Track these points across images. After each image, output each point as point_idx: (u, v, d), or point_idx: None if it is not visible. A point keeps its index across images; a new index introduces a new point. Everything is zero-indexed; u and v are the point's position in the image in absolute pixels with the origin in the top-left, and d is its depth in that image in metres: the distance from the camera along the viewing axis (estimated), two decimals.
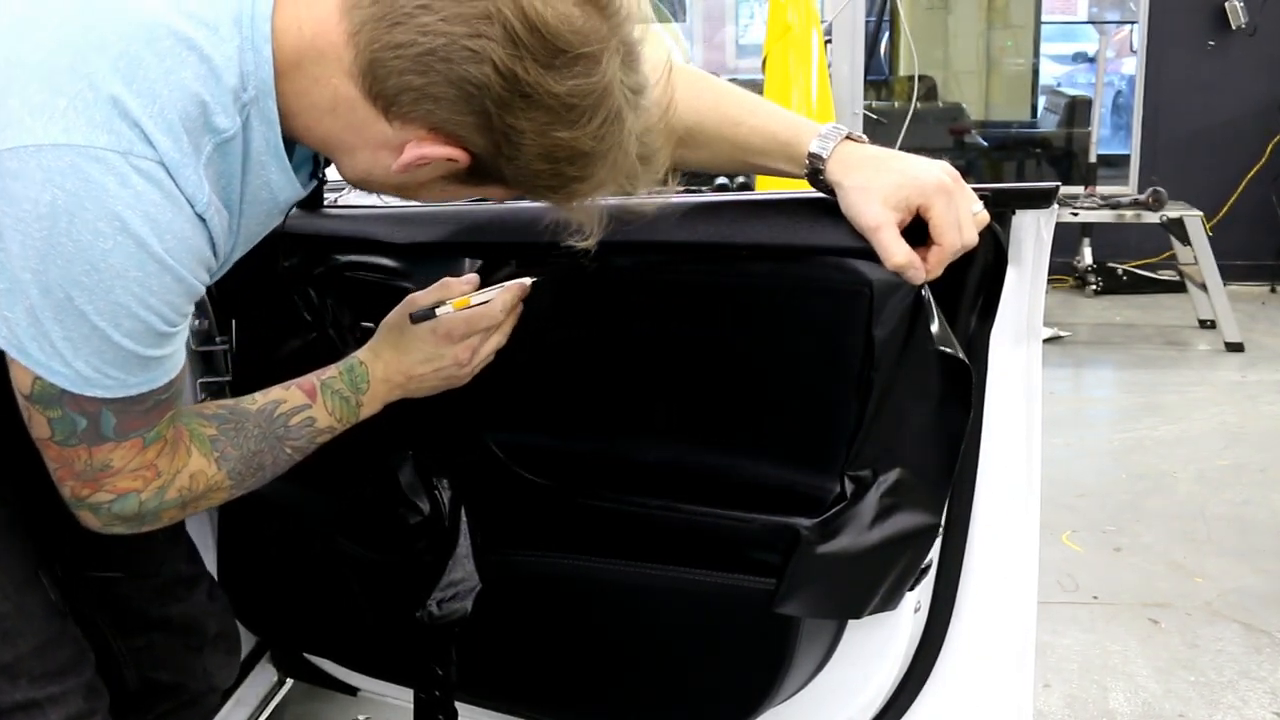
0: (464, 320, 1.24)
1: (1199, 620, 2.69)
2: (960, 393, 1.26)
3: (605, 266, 1.34)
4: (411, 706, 1.63)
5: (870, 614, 1.33)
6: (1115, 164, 6.29)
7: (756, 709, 1.41)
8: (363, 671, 1.81)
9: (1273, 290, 5.96)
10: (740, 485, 1.37)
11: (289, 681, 2.14)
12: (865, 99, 6.06)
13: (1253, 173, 6.00)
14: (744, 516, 1.33)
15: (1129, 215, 5.32)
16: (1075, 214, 5.39)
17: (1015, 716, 1.42)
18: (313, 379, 1.22)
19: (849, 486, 1.27)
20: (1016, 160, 6.74)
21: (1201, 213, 5.17)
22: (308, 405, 1.20)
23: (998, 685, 1.42)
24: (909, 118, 5.61)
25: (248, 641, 1.80)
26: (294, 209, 1.20)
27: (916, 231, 1.19)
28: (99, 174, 0.90)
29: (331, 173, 1.13)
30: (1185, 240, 5.14)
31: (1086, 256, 5.89)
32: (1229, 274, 5.21)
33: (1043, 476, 1.37)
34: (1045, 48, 7.18)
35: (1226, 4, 5.86)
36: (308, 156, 1.10)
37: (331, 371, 1.23)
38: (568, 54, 0.94)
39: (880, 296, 1.22)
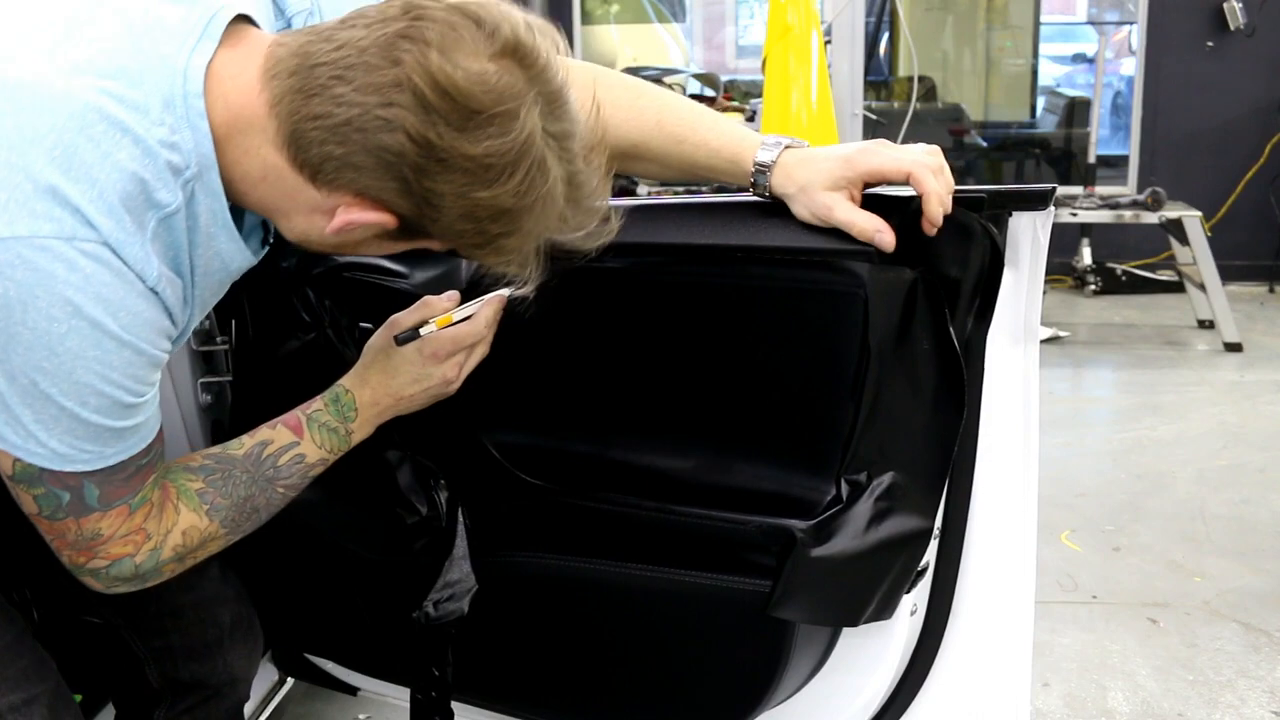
0: (449, 339, 1.24)
1: (1198, 620, 2.69)
2: (953, 395, 1.27)
3: (602, 268, 1.35)
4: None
5: (866, 622, 1.33)
6: (1114, 164, 6.30)
7: (753, 711, 1.41)
8: (362, 671, 1.81)
9: (1271, 290, 5.96)
10: (736, 487, 1.38)
11: (289, 681, 2.14)
12: (865, 99, 6.07)
13: (1251, 173, 6.00)
14: (739, 519, 1.33)
15: (1128, 215, 5.33)
16: (1074, 214, 5.39)
17: (1014, 717, 1.43)
18: (298, 414, 1.22)
19: (844, 489, 1.27)
20: (1016, 161, 6.75)
21: (1200, 213, 5.18)
22: (295, 443, 1.21)
23: (996, 686, 1.43)
24: (908, 118, 5.62)
25: None
26: None
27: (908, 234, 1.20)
28: (46, 262, 0.91)
29: None
30: (1184, 240, 5.14)
31: (1086, 257, 5.90)
32: (1228, 274, 5.22)
33: (1042, 476, 1.38)
34: (1044, 48, 7.19)
35: (1225, 5, 5.86)
36: (259, 222, 1.11)
37: (317, 404, 1.23)
38: (481, 114, 0.94)
39: (875, 299, 1.23)
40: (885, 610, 1.33)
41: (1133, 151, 6.16)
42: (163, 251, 0.98)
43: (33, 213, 0.91)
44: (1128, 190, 5.92)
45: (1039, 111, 6.93)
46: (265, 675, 1.98)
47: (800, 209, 1.24)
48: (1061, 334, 5.22)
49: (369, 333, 1.31)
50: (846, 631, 1.41)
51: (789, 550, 1.27)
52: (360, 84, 0.93)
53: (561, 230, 1.05)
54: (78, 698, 1.66)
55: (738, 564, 1.34)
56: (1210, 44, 6.00)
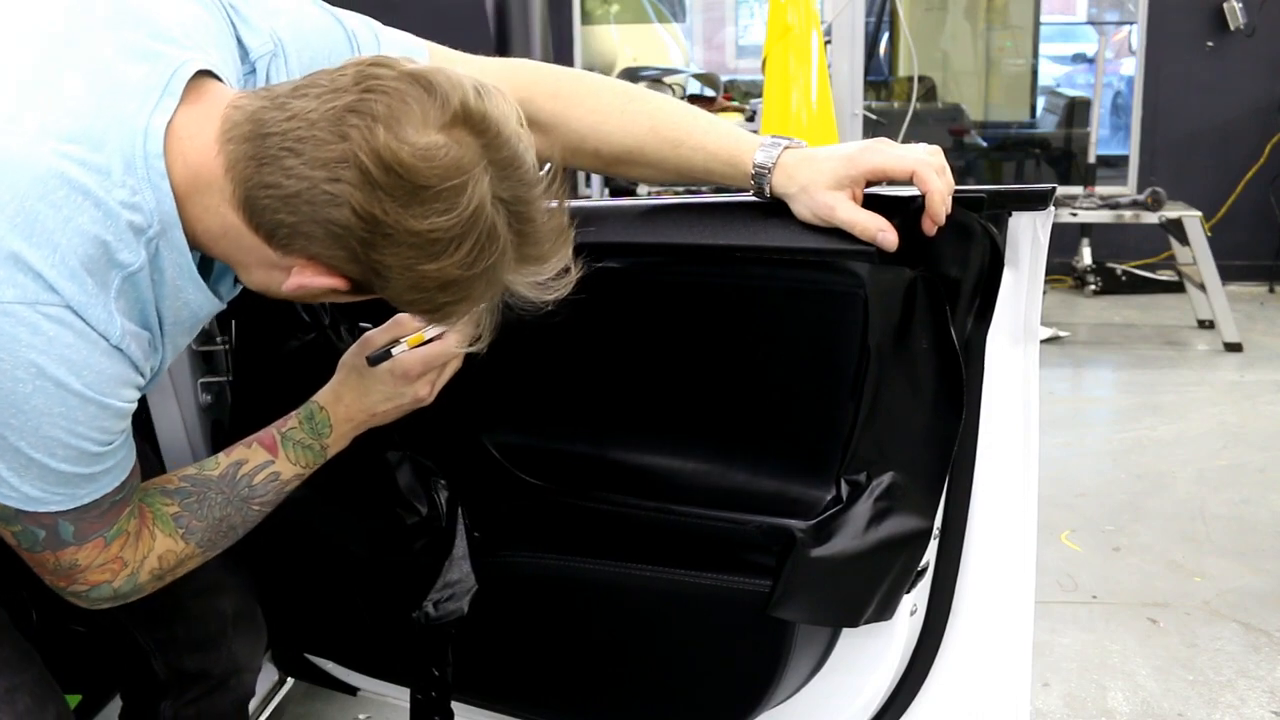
0: (420, 360, 1.25)
1: (1198, 620, 2.69)
2: (953, 395, 1.27)
3: (602, 268, 1.35)
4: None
5: (866, 623, 1.33)
6: (1114, 164, 6.30)
7: (753, 711, 1.41)
8: (362, 671, 1.81)
9: (1271, 290, 5.96)
10: (736, 487, 1.38)
11: (289, 681, 2.15)
12: (865, 99, 6.07)
13: (1251, 173, 6.00)
14: (739, 519, 1.33)
15: (1128, 215, 5.33)
16: (1074, 214, 5.39)
17: (1014, 717, 1.43)
18: (273, 432, 1.24)
19: (844, 489, 1.27)
20: (1016, 161, 6.75)
21: (1200, 213, 5.18)
22: (270, 461, 1.23)
23: (996, 686, 1.43)
24: (908, 118, 5.61)
25: None
26: None
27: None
28: (9, 327, 0.93)
29: None
30: (1184, 240, 5.15)
31: (1086, 257, 5.90)
32: (1228, 274, 5.22)
33: (1042, 476, 1.38)
34: (1044, 48, 7.18)
35: (1225, 5, 5.86)
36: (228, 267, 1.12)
37: (291, 422, 1.25)
38: (428, 190, 0.94)
39: (875, 299, 1.23)
40: (885, 610, 1.33)
41: (1133, 151, 6.16)
42: (128, 307, 1.00)
43: None
44: (1128, 190, 5.92)
45: (1039, 111, 6.93)
46: (265, 675, 1.97)
47: (802, 209, 1.24)
48: (1061, 334, 5.22)
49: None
50: (846, 631, 1.41)
51: (789, 550, 1.27)
52: (309, 158, 0.95)
53: (516, 286, 1.05)
54: (78, 698, 1.67)
55: (738, 564, 1.34)
56: (1210, 44, 6.00)
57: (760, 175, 1.24)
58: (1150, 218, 5.24)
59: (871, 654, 1.41)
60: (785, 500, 1.33)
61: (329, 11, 1.19)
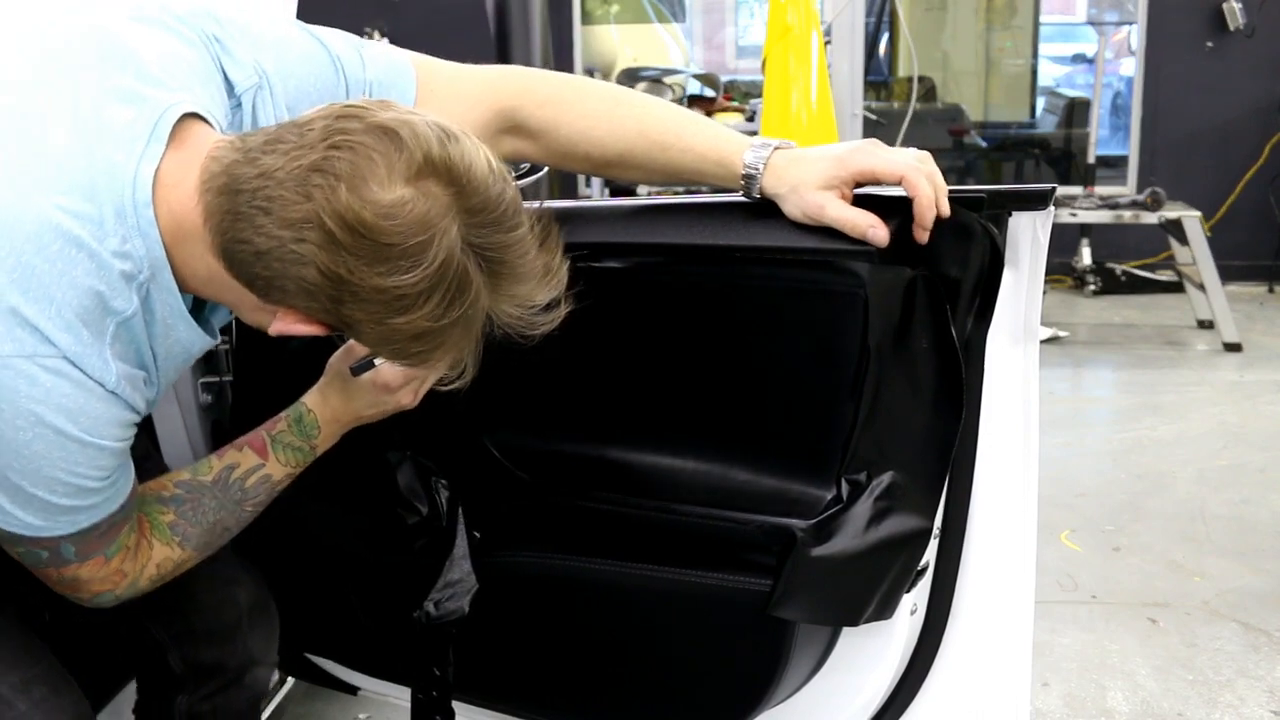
0: (401, 373, 1.26)
1: (1197, 619, 2.70)
2: (953, 395, 1.27)
3: (602, 268, 1.35)
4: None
5: (866, 622, 1.33)
6: (1114, 165, 6.30)
7: (753, 710, 1.41)
8: (363, 671, 1.81)
9: (1271, 290, 5.96)
10: (736, 487, 1.38)
11: (289, 681, 2.15)
12: (865, 100, 6.07)
13: (1251, 173, 6.00)
14: (739, 518, 1.33)
15: (1128, 216, 5.33)
16: (1074, 214, 5.39)
17: (1014, 716, 1.43)
18: (263, 435, 1.27)
19: (844, 489, 1.28)
20: (1015, 161, 6.75)
21: (1200, 213, 5.18)
22: (261, 464, 1.26)
23: (996, 686, 1.43)
24: (908, 118, 5.61)
25: None
26: None
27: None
28: (9, 379, 0.97)
29: None
30: (1184, 240, 5.15)
31: (1085, 257, 5.90)
32: (1227, 274, 5.22)
33: (1042, 476, 1.38)
34: (1044, 49, 7.19)
35: (1224, 5, 5.86)
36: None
37: (281, 425, 1.28)
38: (392, 247, 0.95)
39: (875, 298, 1.23)
40: (885, 610, 1.33)
41: (1132, 152, 6.16)
42: (123, 350, 1.04)
43: None
44: (1127, 190, 5.92)
45: (1039, 112, 6.93)
46: None
47: (792, 208, 1.24)
48: (1061, 334, 5.22)
49: None
50: (846, 631, 1.41)
51: (789, 550, 1.27)
52: (277, 217, 0.96)
53: (501, 318, 1.06)
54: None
55: (738, 563, 1.34)
56: (1210, 44, 6.00)
57: (750, 176, 1.25)
58: (1150, 218, 5.24)
59: (871, 653, 1.42)
60: (785, 500, 1.34)
61: (313, 36, 1.19)
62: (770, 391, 1.37)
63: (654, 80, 6.05)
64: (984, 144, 6.71)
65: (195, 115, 1.05)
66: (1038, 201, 1.26)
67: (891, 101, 6.57)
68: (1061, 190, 5.44)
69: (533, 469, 1.48)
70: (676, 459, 1.43)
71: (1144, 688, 2.43)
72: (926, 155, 1.22)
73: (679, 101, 5.98)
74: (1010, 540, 1.38)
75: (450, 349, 1.04)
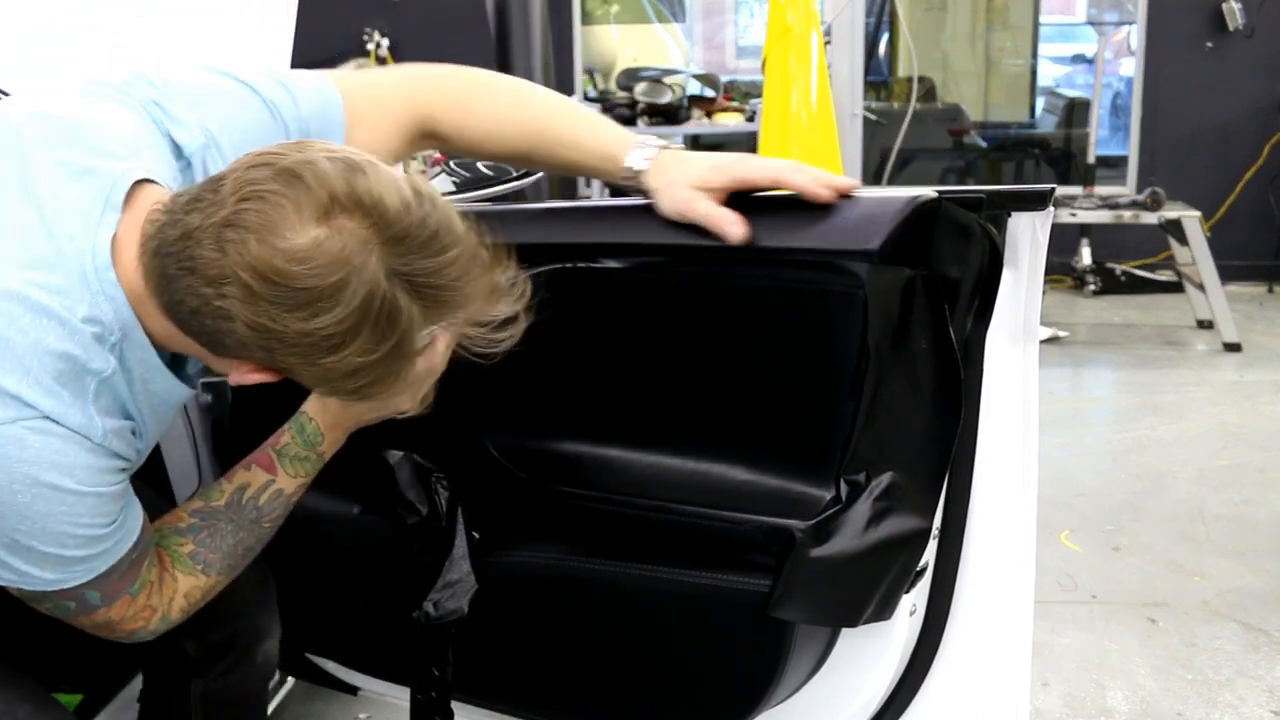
0: None
1: (1197, 619, 2.70)
2: (952, 395, 1.27)
3: (602, 269, 1.35)
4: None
5: (865, 622, 1.33)
6: (1114, 165, 6.30)
7: (752, 711, 1.41)
8: (363, 671, 1.81)
9: (1270, 290, 5.96)
10: (735, 487, 1.38)
11: (289, 681, 2.15)
12: (865, 100, 6.08)
13: (1250, 173, 6.00)
14: (739, 518, 1.33)
15: (1127, 216, 5.33)
16: (1074, 214, 5.39)
17: (1013, 717, 1.43)
18: (269, 451, 1.28)
19: (844, 489, 1.28)
20: (1015, 161, 6.75)
21: (1199, 213, 5.18)
22: (271, 480, 1.27)
23: (995, 686, 1.43)
24: (908, 118, 5.62)
25: None
26: None
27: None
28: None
29: None
30: (1183, 241, 5.15)
31: (1085, 257, 5.90)
32: (1227, 274, 5.22)
33: (1041, 476, 1.38)
34: (1044, 49, 7.19)
35: (1224, 5, 5.86)
36: None
37: (285, 438, 1.29)
38: (308, 290, 0.95)
39: (874, 299, 1.23)
40: (885, 610, 1.33)
41: (1132, 152, 6.16)
42: (109, 405, 1.07)
43: None
44: (1127, 190, 5.92)
45: (1038, 112, 6.93)
46: None
47: (666, 203, 1.27)
48: (1061, 334, 5.23)
49: None
50: (846, 631, 1.41)
51: (788, 550, 1.27)
52: (200, 275, 0.97)
53: (465, 337, 1.07)
54: (77, 698, 1.67)
55: (737, 564, 1.34)
56: (1210, 44, 6.00)
57: (633, 171, 1.30)
58: (1150, 218, 5.24)
59: (871, 654, 1.42)
60: (785, 500, 1.34)
61: (243, 83, 1.21)
62: (770, 392, 1.37)
63: (654, 80, 6.05)
64: (984, 144, 6.71)
65: (148, 181, 1.08)
66: (1037, 202, 1.26)
67: (891, 101, 6.57)
68: (1061, 190, 5.44)
69: (532, 469, 1.48)
70: (676, 459, 1.42)
71: (1144, 688, 2.43)
72: (799, 164, 1.27)
73: (679, 101, 5.99)
74: (1010, 540, 1.38)
75: (394, 381, 1.04)
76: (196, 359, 1.16)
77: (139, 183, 1.07)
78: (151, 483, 1.33)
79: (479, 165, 2.08)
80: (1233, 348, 4.95)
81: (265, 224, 0.95)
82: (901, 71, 6.54)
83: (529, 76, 5.76)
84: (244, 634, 1.50)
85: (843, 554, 1.27)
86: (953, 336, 1.25)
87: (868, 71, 6.29)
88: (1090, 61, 7.08)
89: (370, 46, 5.76)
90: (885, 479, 1.27)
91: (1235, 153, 6.00)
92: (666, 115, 5.97)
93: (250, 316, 0.96)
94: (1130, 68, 6.52)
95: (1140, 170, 6.09)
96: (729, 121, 6.03)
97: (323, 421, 1.29)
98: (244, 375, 1.06)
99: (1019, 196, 1.27)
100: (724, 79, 6.52)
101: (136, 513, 1.15)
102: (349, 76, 1.29)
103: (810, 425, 1.35)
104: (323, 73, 1.28)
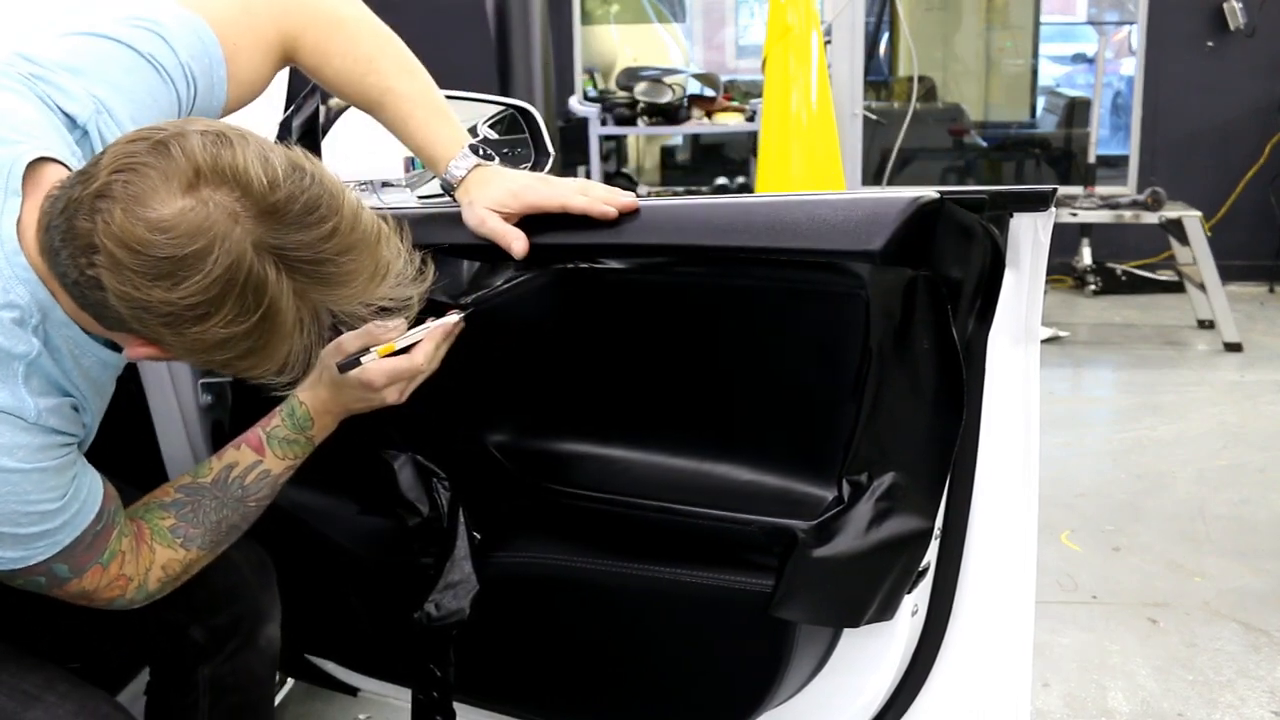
0: (386, 373, 1.27)
1: (1197, 620, 2.70)
2: (954, 396, 1.27)
3: (603, 269, 1.35)
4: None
5: (867, 623, 1.33)
6: (1114, 164, 6.29)
7: (754, 711, 1.41)
8: (363, 672, 1.81)
9: (1271, 290, 5.96)
10: (738, 488, 1.38)
11: (289, 681, 2.15)
12: (865, 99, 6.07)
13: (1251, 173, 6.00)
14: (741, 518, 1.33)
15: (1128, 216, 5.33)
16: (1074, 214, 5.39)
17: (1014, 717, 1.43)
18: (259, 432, 1.30)
19: (846, 490, 1.28)
20: (1016, 161, 6.75)
21: (1200, 213, 5.18)
22: (259, 461, 1.29)
23: (996, 686, 1.43)
24: (908, 118, 5.62)
25: None
26: None
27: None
28: None
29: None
30: (1184, 240, 5.15)
31: (1085, 257, 5.90)
32: (1228, 274, 5.22)
33: (1042, 476, 1.38)
34: (1044, 48, 7.18)
35: (1225, 5, 5.86)
36: None
37: (276, 420, 1.31)
38: (170, 259, 0.96)
39: (876, 299, 1.23)
40: (886, 611, 1.33)
41: (1133, 151, 6.16)
42: (42, 385, 1.08)
43: None
44: (1128, 190, 5.92)
45: (1039, 111, 6.93)
46: None
47: (468, 216, 1.34)
48: (1061, 334, 5.23)
49: None
50: (848, 632, 1.41)
51: (791, 550, 1.27)
52: (73, 248, 0.99)
53: (346, 313, 1.07)
54: None
55: (739, 564, 1.34)
56: (1210, 44, 6.00)
57: (448, 183, 1.36)
58: (1150, 218, 5.24)
59: (873, 654, 1.42)
60: (787, 500, 1.34)
61: (121, 43, 1.20)
62: (772, 392, 1.37)
63: (654, 80, 6.05)
64: (984, 144, 6.71)
65: (47, 159, 1.08)
66: (1039, 203, 1.26)
67: (891, 101, 6.57)
68: (1062, 190, 5.44)
69: (534, 470, 1.48)
70: (678, 459, 1.42)
71: (1144, 688, 2.43)
72: (585, 182, 1.35)
73: (679, 101, 5.98)
74: (1011, 541, 1.38)
75: (265, 354, 1.04)
76: None
77: (38, 163, 1.07)
78: (151, 484, 1.32)
79: None
80: (1233, 348, 4.95)
81: (133, 194, 0.97)
82: (901, 71, 6.54)
83: (529, 76, 5.76)
84: (248, 617, 1.51)
85: (845, 554, 1.27)
86: (955, 337, 1.25)
87: (868, 71, 6.28)
88: (1091, 61, 7.07)
89: None
90: (887, 479, 1.27)
91: (1236, 152, 6.00)
92: (666, 115, 5.97)
93: (117, 285, 0.97)
94: (1131, 67, 6.52)
95: (1141, 170, 6.09)
96: (729, 121, 6.03)
97: (312, 406, 1.30)
98: (133, 349, 1.07)
99: (1021, 197, 1.27)
100: (724, 79, 6.52)
101: (93, 485, 1.15)
102: (218, 7, 1.28)
103: (812, 426, 1.35)
104: (187, 3, 1.27)
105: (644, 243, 1.33)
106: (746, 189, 6.12)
